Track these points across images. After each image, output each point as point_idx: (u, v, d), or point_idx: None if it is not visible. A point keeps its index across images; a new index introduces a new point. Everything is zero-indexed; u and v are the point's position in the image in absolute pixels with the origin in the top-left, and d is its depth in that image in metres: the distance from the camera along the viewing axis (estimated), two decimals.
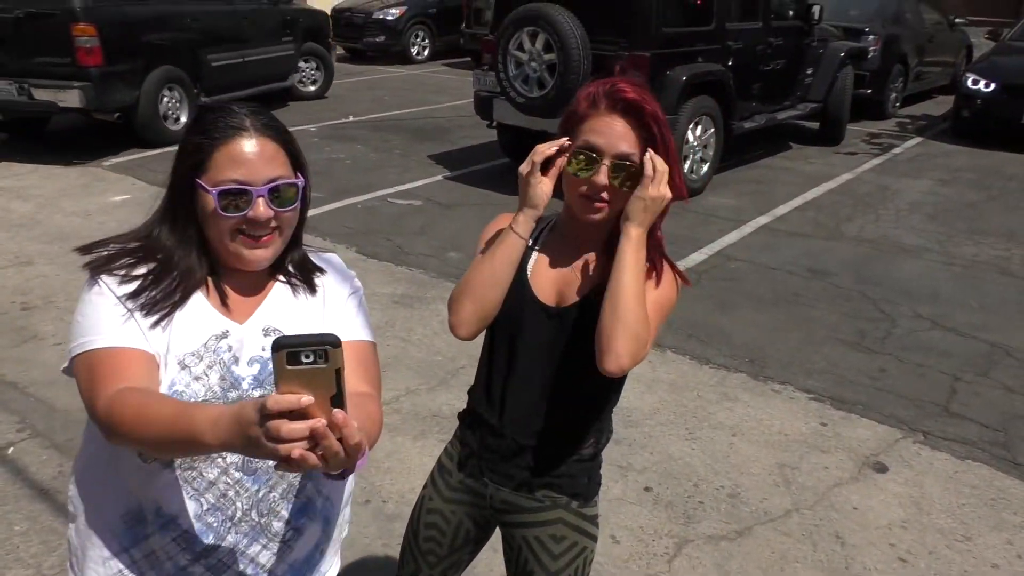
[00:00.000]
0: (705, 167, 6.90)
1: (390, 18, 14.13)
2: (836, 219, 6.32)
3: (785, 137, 8.93)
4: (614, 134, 1.48)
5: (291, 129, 1.32)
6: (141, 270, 1.26)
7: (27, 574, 2.57)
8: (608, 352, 1.40)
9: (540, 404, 1.58)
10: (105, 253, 1.27)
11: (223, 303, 1.29)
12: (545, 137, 6.35)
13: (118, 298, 1.22)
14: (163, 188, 1.32)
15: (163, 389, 1.21)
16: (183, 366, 1.24)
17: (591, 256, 1.58)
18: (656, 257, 1.55)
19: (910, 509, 3.00)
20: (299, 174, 1.29)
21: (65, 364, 1.25)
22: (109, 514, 1.29)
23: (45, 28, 6.93)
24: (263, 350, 1.29)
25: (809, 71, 8.17)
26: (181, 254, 1.27)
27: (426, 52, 14.83)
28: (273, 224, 1.26)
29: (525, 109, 6.36)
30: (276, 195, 1.24)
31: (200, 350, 1.25)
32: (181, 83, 8.16)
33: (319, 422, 0.92)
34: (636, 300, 1.42)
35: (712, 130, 6.81)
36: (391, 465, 3.14)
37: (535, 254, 1.62)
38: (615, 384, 1.60)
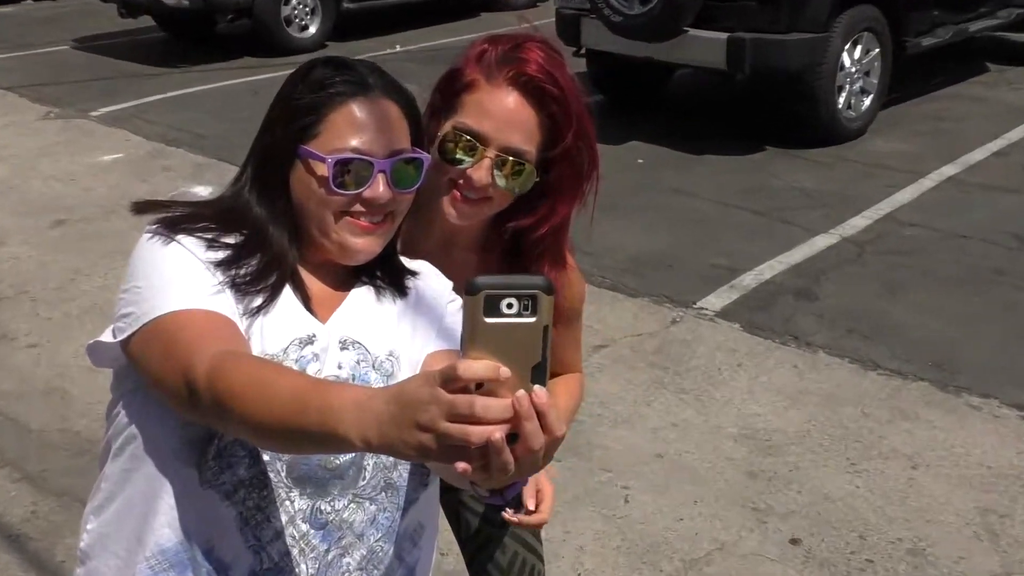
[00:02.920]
0: (867, 101, 6.74)
1: None
2: None
3: (980, 56, 8.63)
4: (505, 118, 1.49)
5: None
6: (230, 239, 1.29)
7: None
8: None
9: None
10: (176, 213, 1.30)
11: (306, 301, 1.33)
12: (645, 69, 6.12)
13: (205, 264, 1.25)
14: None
15: None
16: None
17: (462, 258, 1.63)
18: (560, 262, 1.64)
19: None
20: (418, 149, 1.35)
21: (109, 338, 1.25)
22: (135, 554, 1.30)
23: None
24: (339, 367, 1.30)
25: None
26: (275, 231, 1.31)
27: None
28: (389, 208, 1.31)
29: (623, 30, 6.28)
30: (396, 172, 1.30)
31: (280, 355, 1.27)
32: None
33: (524, 397, 0.86)
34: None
35: (876, 50, 6.67)
36: None
37: None
38: None
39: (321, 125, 1.28)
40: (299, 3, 9.32)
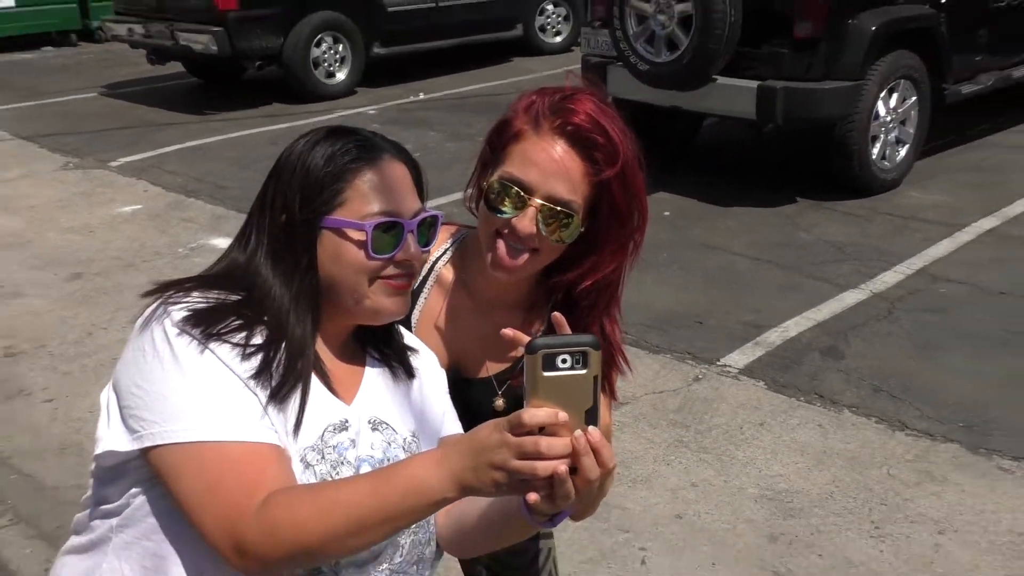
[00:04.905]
0: (903, 151, 6.77)
1: None
2: None
3: (1021, 103, 8.55)
4: (550, 167, 1.55)
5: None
6: (257, 338, 1.30)
7: None
8: None
9: None
10: (200, 305, 1.30)
11: (327, 382, 1.39)
12: (673, 119, 6.27)
13: (243, 381, 1.26)
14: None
15: None
16: (306, 464, 1.32)
17: (504, 318, 1.67)
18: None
19: None
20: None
21: (123, 445, 1.26)
22: None
23: None
24: (371, 447, 1.39)
25: None
26: (296, 318, 1.34)
27: None
28: (415, 268, 1.42)
29: (650, 79, 6.39)
30: (419, 231, 1.40)
31: (319, 444, 1.33)
32: (343, 31, 9.68)
33: (581, 436, 1.09)
34: None
35: (914, 98, 6.71)
36: None
37: (423, 298, 1.75)
38: None
39: (346, 193, 1.35)
40: (329, 49, 9.59)
